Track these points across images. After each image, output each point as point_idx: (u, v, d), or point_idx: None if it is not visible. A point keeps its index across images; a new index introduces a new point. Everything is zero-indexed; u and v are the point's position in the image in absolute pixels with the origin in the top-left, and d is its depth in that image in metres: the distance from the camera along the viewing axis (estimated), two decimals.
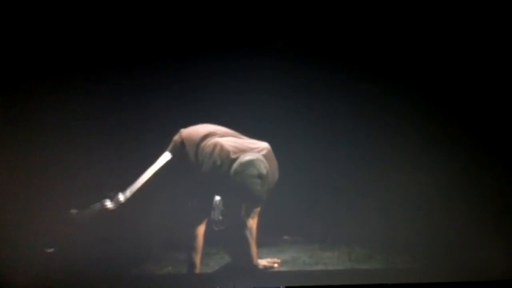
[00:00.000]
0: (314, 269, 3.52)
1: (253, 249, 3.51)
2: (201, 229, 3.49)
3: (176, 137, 3.55)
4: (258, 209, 3.52)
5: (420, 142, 3.64)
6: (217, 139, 3.51)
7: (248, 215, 3.50)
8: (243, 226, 3.50)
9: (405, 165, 3.61)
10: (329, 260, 3.55)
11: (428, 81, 3.70)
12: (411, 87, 3.69)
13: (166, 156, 3.53)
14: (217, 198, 3.47)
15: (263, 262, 3.53)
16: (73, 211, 3.51)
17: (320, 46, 3.74)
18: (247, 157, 3.42)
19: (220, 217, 3.46)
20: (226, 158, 3.44)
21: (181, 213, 3.52)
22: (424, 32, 3.73)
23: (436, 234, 3.52)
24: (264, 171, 3.42)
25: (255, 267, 3.52)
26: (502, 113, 3.67)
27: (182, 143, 3.53)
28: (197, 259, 3.49)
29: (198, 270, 3.49)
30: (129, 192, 3.50)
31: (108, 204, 3.50)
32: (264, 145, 3.50)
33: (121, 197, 3.50)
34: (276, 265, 3.54)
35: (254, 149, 3.47)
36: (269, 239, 3.59)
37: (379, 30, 3.73)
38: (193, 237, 3.49)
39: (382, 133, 3.65)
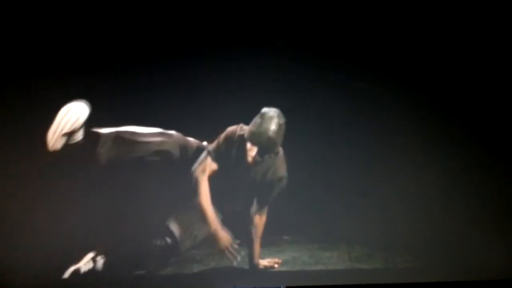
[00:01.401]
0: (314, 269, 3.52)
1: (256, 248, 3.53)
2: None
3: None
4: (266, 208, 3.56)
5: (420, 142, 3.65)
6: None
7: (257, 212, 3.54)
8: (250, 223, 3.54)
9: (405, 165, 3.62)
10: (329, 260, 3.55)
11: (428, 81, 3.71)
12: (411, 87, 3.71)
13: None
14: None
15: (263, 262, 3.54)
16: None
17: (320, 45, 3.74)
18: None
19: None
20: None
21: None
22: (424, 32, 3.74)
23: (436, 234, 3.52)
24: (281, 121, 3.53)
25: (256, 267, 3.52)
26: (502, 113, 3.68)
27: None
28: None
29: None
30: None
31: None
32: None
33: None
34: (276, 265, 3.53)
35: None
36: (269, 239, 3.58)
37: (379, 30, 3.74)
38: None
39: (382, 133, 3.65)
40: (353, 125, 3.67)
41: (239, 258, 3.52)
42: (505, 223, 3.54)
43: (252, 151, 3.51)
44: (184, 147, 3.59)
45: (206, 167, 3.54)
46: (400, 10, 3.74)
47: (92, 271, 3.46)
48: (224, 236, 3.51)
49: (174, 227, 3.53)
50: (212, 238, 3.51)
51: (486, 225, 3.52)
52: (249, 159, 3.52)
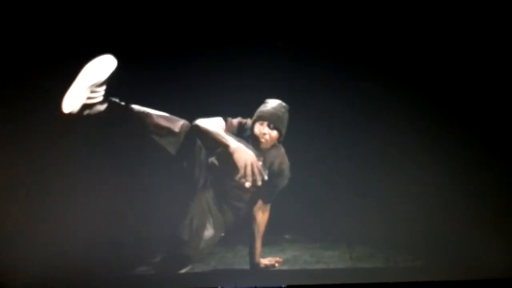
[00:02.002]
0: (315, 268, 3.53)
1: (258, 246, 3.53)
2: None
3: None
4: (269, 206, 3.57)
5: (421, 142, 3.65)
6: None
7: (260, 208, 3.54)
8: (252, 220, 3.55)
9: (405, 164, 3.63)
10: (330, 259, 3.56)
11: (428, 80, 3.72)
12: (411, 86, 3.71)
13: None
14: None
15: (264, 261, 3.54)
16: None
17: (321, 45, 3.74)
18: None
19: None
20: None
21: (184, 212, 3.54)
22: (424, 32, 3.74)
23: (437, 233, 3.54)
24: (286, 106, 3.61)
25: (256, 266, 3.53)
26: (502, 113, 3.70)
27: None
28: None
29: None
30: None
31: None
32: None
33: None
34: (277, 264, 3.54)
35: None
36: (270, 238, 3.58)
37: (380, 29, 3.75)
38: None
39: (383, 132, 3.66)
40: (354, 124, 3.67)
41: (265, 177, 3.50)
42: (505, 223, 3.57)
43: (261, 130, 3.55)
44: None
45: (216, 122, 3.56)
46: (400, 10, 3.76)
47: (92, 271, 3.47)
48: (249, 152, 3.48)
49: (184, 234, 3.52)
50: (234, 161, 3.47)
51: (486, 224, 3.54)
52: (258, 135, 3.56)
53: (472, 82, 3.71)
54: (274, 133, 3.57)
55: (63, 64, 3.60)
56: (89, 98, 3.42)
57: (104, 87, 3.46)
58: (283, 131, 3.59)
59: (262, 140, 3.55)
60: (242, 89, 3.67)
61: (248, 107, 3.63)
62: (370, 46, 3.74)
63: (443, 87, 3.71)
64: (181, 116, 3.60)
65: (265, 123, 3.57)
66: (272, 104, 3.61)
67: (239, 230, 3.56)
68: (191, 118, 3.60)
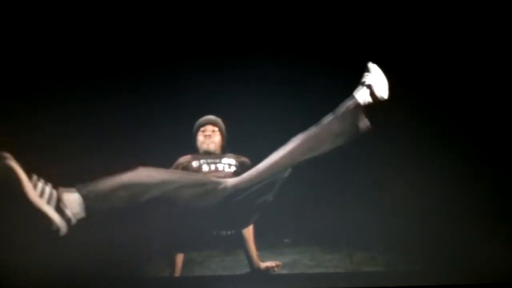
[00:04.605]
0: (315, 272, 3.49)
1: (252, 250, 3.48)
2: None
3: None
4: None
5: (421, 143, 3.67)
6: None
7: None
8: None
9: (405, 167, 3.63)
10: (330, 263, 3.54)
11: (427, 81, 3.73)
12: (411, 87, 3.70)
13: None
14: None
15: (263, 264, 3.50)
16: None
17: (321, 48, 3.77)
18: None
19: None
20: None
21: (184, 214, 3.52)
22: (422, 33, 3.78)
23: (438, 237, 3.51)
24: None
25: (256, 270, 3.49)
26: (502, 114, 3.70)
27: None
28: None
29: None
30: None
31: None
32: None
33: None
34: (276, 268, 3.51)
35: None
36: (269, 241, 3.59)
37: (379, 32, 3.77)
38: None
39: (383, 135, 3.64)
40: None
41: None
42: (505, 226, 3.53)
43: (204, 133, 3.53)
44: None
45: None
46: (404, 12, 3.78)
47: (92, 272, 3.46)
48: None
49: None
50: None
51: (486, 228, 3.51)
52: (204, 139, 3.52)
53: (471, 83, 3.73)
54: (218, 137, 3.55)
55: (61, 67, 3.67)
56: None
57: None
58: (225, 135, 3.58)
59: (210, 143, 3.52)
60: (243, 92, 3.74)
61: (247, 109, 3.73)
62: (368, 48, 3.77)
63: (442, 87, 3.73)
64: (179, 120, 3.66)
65: (205, 127, 3.56)
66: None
67: (239, 233, 3.53)
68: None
